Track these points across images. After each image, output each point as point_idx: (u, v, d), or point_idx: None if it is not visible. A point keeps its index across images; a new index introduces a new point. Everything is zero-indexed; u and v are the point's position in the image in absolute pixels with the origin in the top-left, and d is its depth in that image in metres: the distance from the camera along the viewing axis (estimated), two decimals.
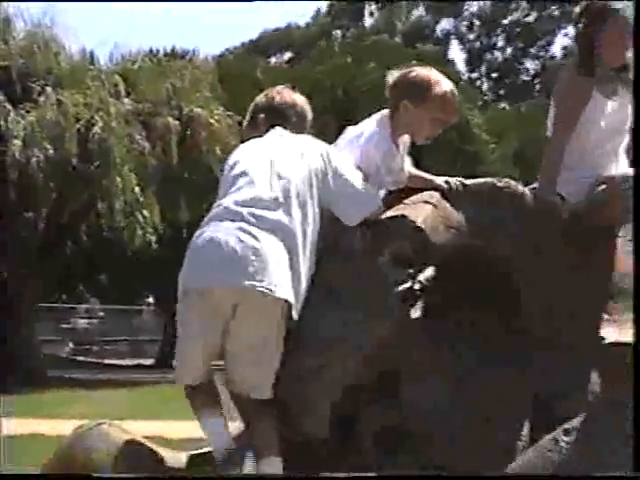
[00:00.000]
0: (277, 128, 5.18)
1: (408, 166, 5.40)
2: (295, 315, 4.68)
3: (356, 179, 5.02)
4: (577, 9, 5.65)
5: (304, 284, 4.75)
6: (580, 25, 5.52)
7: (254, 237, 4.60)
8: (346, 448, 4.95)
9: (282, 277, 4.61)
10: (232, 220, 4.66)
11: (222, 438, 4.87)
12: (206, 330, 4.72)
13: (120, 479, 4.81)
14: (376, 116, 5.29)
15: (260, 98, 5.41)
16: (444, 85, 5.20)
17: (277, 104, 5.32)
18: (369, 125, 5.24)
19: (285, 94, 5.42)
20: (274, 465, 4.78)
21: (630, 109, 5.50)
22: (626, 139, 5.51)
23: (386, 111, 5.25)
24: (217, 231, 4.67)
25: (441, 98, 5.18)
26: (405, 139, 5.12)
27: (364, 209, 4.99)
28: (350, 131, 5.29)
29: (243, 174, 4.86)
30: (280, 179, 4.80)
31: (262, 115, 5.30)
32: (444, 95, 5.18)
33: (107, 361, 32.19)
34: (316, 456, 4.86)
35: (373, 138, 5.12)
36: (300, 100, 5.43)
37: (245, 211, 4.67)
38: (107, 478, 4.81)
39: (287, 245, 4.67)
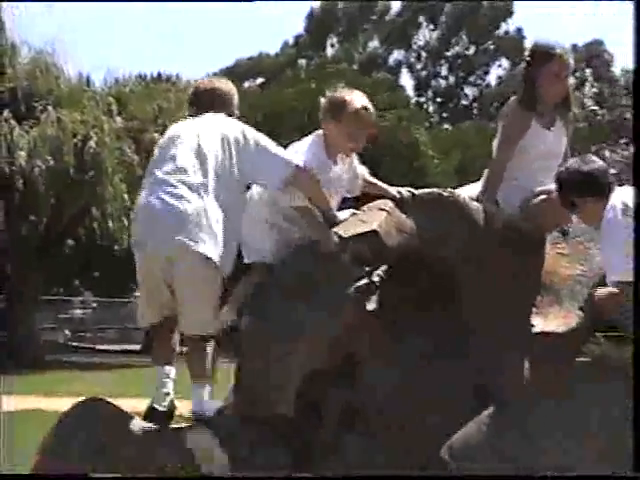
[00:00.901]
0: (205, 113, 5.24)
1: (366, 175, 5.43)
2: (224, 267, 4.93)
3: (272, 147, 5.10)
4: (525, 52, 5.68)
5: (220, 236, 4.89)
6: (525, 65, 5.52)
7: (178, 199, 4.82)
8: (311, 425, 4.95)
9: (200, 233, 4.79)
10: (159, 186, 4.89)
11: (168, 384, 5.10)
12: (149, 279, 4.98)
13: (120, 479, 4.70)
14: (312, 135, 5.32)
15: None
16: (357, 103, 5.21)
17: (199, 92, 5.44)
18: (304, 143, 5.28)
19: (206, 82, 5.54)
20: (203, 389, 5.00)
21: (565, 137, 5.59)
22: (560, 160, 5.56)
23: (320, 131, 5.29)
24: (148, 197, 4.93)
25: (354, 114, 5.19)
26: (345, 152, 5.25)
27: (282, 172, 5.03)
28: (291, 148, 5.29)
29: (168, 148, 5.08)
30: (199, 151, 4.96)
31: (190, 103, 5.48)
32: (357, 112, 5.19)
33: (99, 346, 31.94)
34: (281, 431, 4.86)
35: (305, 155, 5.15)
36: (221, 85, 5.46)
37: (169, 178, 4.88)
38: (107, 478, 4.70)
39: (205, 205, 4.84)
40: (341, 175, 5.33)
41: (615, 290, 4.72)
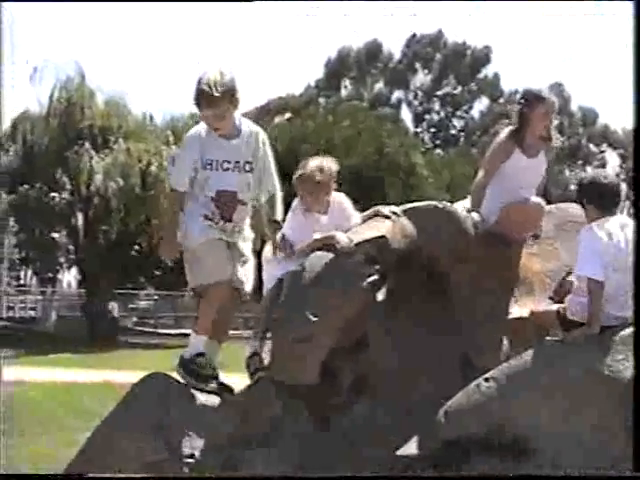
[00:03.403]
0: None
1: (356, 219, 5.22)
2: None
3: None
4: (519, 95, 5.58)
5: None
6: (520, 106, 5.40)
7: None
8: (331, 390, 4.93)
9: None
10: None
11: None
12: None
13: (120, 479, 4.58)
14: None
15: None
16: (303, 169, 4.98)
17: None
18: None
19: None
20: (199, 340, 4.91)
21: (544, 165, 5.51)
22: (539, 181, 5.50)
23: None
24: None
25: (299, 179, 4.98)
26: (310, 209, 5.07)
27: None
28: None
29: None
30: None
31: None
32: (300, 177, 4.98)
33: (160, 330, 32.02)
34: (309, 395, 4.84)
35: (287, 221, 5.11)
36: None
37: None
38: (107, 478, 4.58)
39: None
40: (328, 224, 5.05)
41: (551, 308, 4.68)
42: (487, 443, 4.22)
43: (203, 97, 4.74)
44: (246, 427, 4.78)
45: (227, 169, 4.91)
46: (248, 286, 5.10)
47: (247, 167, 4.96)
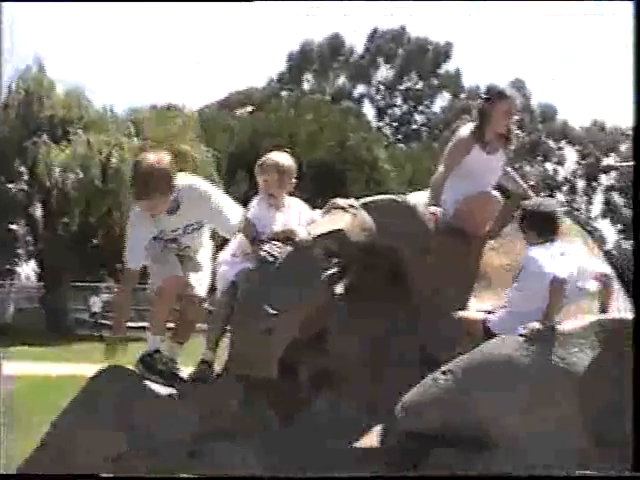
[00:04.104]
0: None
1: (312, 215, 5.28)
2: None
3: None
4: (482, 91, 5.62)
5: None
6: (482, 102, 5.42)
7: None
8: (292, 384, 4.94)
9: None
10: None
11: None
12: None
13: (120, 479, 4.56)
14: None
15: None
16: (266, 158, 5.15)
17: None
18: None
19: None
20: (151, 340, 5.01)
21: (503, 161, 5.52)
22: (497, 177, 5.53)
23: None
24: None
25: (262, 166, 5.14)
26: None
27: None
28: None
29: None
30: None
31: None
32: (263, 164, 5.13)
33: None
34: (270, 389, 4.85)
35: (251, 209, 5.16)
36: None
37: None
38: (109, 478, 4.54)
39: None
40: (284, 220, 5.13)
41: (477, 317, 4.74)
42: (445, 435, 4.25)
43: (136, 190, 4.80)
44: (209, 421, 4.77)
45: (174, 239, 5.05)
46: (202, 290, 5.15)
47: (191, 229, 5.05)
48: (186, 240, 5.08)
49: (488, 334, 4.54)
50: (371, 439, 4.61)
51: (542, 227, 4.63)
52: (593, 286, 4.56)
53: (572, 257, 4.51)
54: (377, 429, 4.63)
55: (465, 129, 5.45)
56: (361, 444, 4.58)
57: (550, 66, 69.39)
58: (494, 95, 5.39)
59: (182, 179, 4.90)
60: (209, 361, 5.01)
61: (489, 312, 4.75)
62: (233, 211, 4.95)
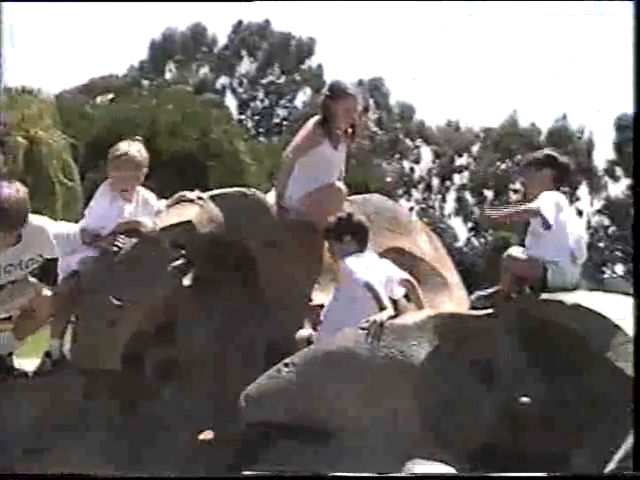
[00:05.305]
0: None
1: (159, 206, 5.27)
2: None
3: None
4: (325, 88, 5.62)
5: None
6: (325, 98, 5.43)
7: None
8: (136, 375, 4.89)
9: None
10: None
11: None
12: None
13: (121, 478, 4.48)
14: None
15: None
16: (120, 150, 5.13)
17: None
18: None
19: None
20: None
21: (344, 154, 5.58)
22: (340, 170, 5.57)
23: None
24: None
25: (117, 159, 5.11)
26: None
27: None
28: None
29: None
30: None
31: None
32: (119, 157, 5.11)
33: None
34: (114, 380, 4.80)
35: (94, 204, 5.19)
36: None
37: None
38: (110, 477, 4.47)
39: None
40: (133, 214, 5.12)
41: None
42: (288, 426, 4.30)
43: None
44: (50, 414, 4.67)
45: (9, 271, 4.98)
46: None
47: (29, 264, 5.02)
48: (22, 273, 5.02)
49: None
50: (215, 430, 4.61)
51: (359, 236, 4.81)
52: (401, 292, 4.80)
53: (380, 266, 4.73)
54: (222, 419, 4.62)
55: (311, 123, 5.49)
56: (204, 435, 4.57)
57: (550, 66, 70.21)
58: (336, 91, 5.44)
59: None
60: (52, 353, 4.89)
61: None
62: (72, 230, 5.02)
